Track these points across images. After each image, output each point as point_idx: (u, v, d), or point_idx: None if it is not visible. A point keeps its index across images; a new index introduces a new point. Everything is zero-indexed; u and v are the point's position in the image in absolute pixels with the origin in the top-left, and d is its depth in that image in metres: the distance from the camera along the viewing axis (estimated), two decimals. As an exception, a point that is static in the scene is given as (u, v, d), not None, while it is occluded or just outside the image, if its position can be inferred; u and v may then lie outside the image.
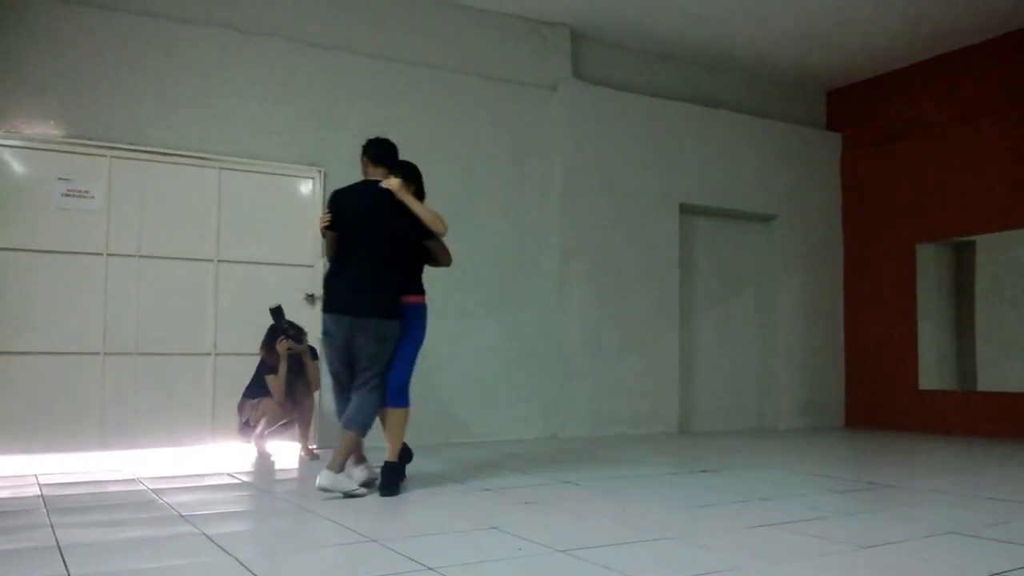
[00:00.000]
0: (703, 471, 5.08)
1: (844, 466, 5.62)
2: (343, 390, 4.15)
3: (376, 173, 4.19)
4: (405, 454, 4.31)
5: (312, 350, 5.52)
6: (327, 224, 4.07)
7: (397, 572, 2.58)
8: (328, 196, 4.26)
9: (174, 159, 5.73)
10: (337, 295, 4.02)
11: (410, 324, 4.15)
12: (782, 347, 8.20)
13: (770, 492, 4.23)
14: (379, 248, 4.03)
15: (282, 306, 5.43)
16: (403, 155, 6.57)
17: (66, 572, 2.60)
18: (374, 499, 3.97)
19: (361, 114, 6.36)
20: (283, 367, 5.35)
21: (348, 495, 3.90)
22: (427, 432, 6.35)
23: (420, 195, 4.30)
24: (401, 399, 4.14)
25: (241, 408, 5.53)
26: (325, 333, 4.08)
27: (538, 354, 6.94)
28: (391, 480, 4.04)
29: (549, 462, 5.34)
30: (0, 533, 3.26)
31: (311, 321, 5.74)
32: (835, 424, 8.34)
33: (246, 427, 5.52)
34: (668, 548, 2.95)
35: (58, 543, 3.01)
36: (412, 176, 4.29)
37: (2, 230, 5.27)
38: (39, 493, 4.13)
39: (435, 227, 4.09)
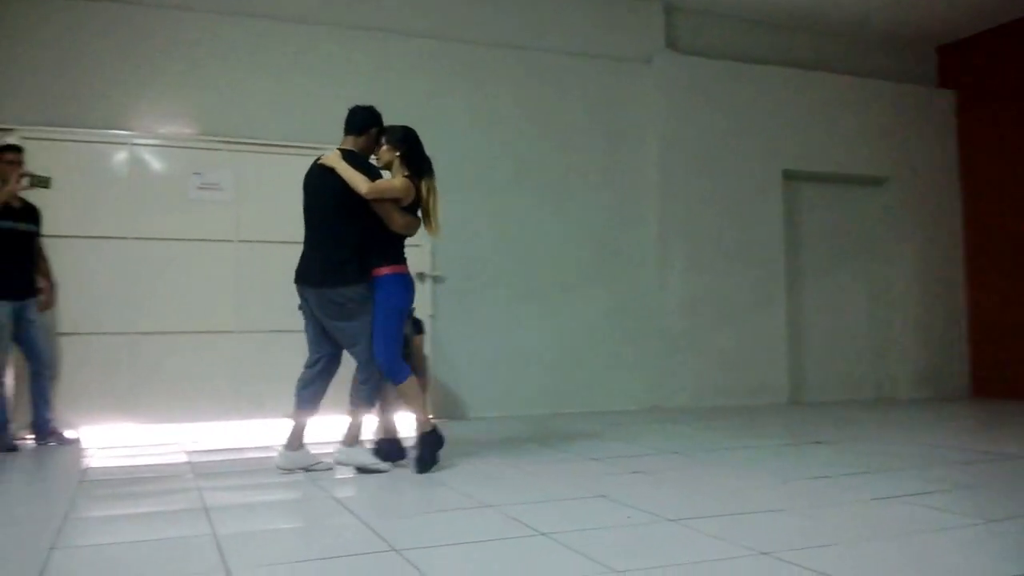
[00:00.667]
0: (816, 442, 5.04)
1: (967, 437, 5.47)
2: (311, 361, 4.23)
3: (346, 143, 4.19)
4: (394, 448, 4.27)
5: (417, 324, 5.75)
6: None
7: (512, 536, 2.74)
8: None
9: (291, 150, 6.04)
10: (297, 267, 4.12)
11: (376, 297, 4.03)
12: (899, 314, 7.94)
13: (887, 464, 4.17)
14: (318, 217, 4.07)
15: None
16: (502, 137, 6.96)
17: (211, 531, 2.88)
18: (490, 467, 4.15)
19: (460, 99, 6.56)
20: None
21: (361, 469, 4.01)
22: (531, 404, 6.54)
23: (411, 158, 4.13)
24: (392, 374, 4.07)
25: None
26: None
27: (640, 326, 6.99)
28: (423, 453, 4.02)
29: (654, 433, 5.41)
30: (152, 496, 3.62)
31: (420, 296, 6.00)
32: (959, 394, 8.03)
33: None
34: (780, 520, 2.98)
35: (204, 505, 3.32)
36: (398, 140, 4.16)
37: (146, 221, 5.70)
38: (186, 460, 4.51)
39: (356, 188, 3.90)
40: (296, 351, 6.07)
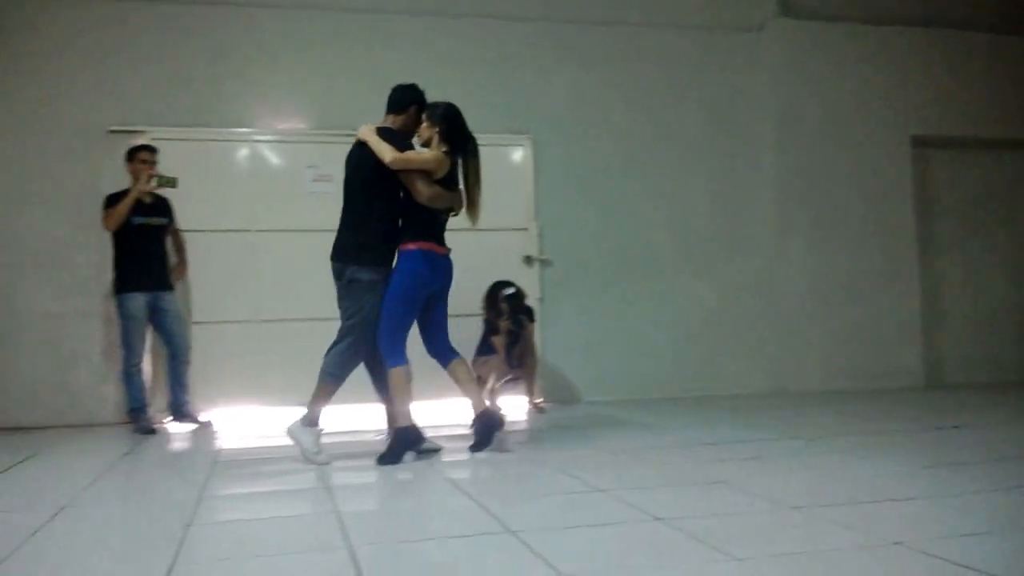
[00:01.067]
0: (953, 427, 4.76)
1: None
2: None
3: (385, 121, 4.17)
4: (401, 437, 4.02)
5: (529, 312, 5.78)
6: None
7: (625, 520, 2.70)
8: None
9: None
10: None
11: (394, 271, 4.01)
12: (1045, 289, 7.38)
13: (1026, 449, 3.90)
14: (349, 193, 4.08)
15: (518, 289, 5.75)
16: (607, 117, 6.83)
17: (334, 508, 2.97)
18: (603, 452, 4.11)
19: (566, 80, 6.52)
20: (503, 339, 5.68)
21: (304, 455, 3.94)
22: (646, 388, 6.45)
23: (450, 135, 4.03)
24: (385, 354, 4.00)
25: (473, 365, 5.89)
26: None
27: (760, 306, 6.77)
28: (388, 449, 3.96)
29: (777, 417, 5.24)
30: (278, 475, 3.78)
31: (528, 280, 6.12)
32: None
33: (478, 381, 5.89)
34: (915, 508, 2.83)
35: (327, 484, 3.43)
36: (438, 116, 4.05)
37: (266, 214, 5.94)
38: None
39: (381, 157, 3.87)
40: (410, 336, 6.22)
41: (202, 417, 5.45)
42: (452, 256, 6.19)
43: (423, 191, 3.90)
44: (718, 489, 3.17)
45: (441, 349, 4.19)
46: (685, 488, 3.23)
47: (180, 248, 5.57)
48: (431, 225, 4.02)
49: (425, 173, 3.92)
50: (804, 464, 3.68)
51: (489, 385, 5.84)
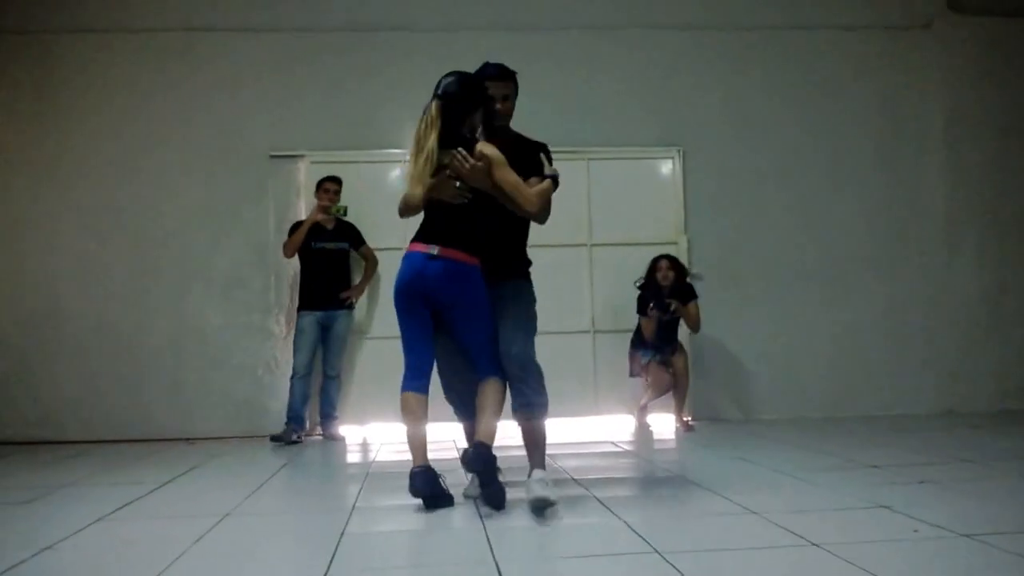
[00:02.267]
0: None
1: None
2: None
3: None
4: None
5: (684, 292, 5.73)
6: None
7: (780, 545, 2.58)
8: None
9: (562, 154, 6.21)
10: None
11: None
12: None
13: None
14: None
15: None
16: (765, 124, 6.59)
17: (481, 524, 3.00)
18: (760, 472, 3.96)
19: (716, 90, 6.37)
20: (652, 325, 5.67)
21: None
22: (806, 406, 6.17)
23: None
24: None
25: (632, 357, 5.85)
26: None
27: (929, 320, 6.35)
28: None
29: (946, 439, 4.88)
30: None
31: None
32: None
33: (634, 376, 5.87)
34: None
35: (472, 498, 3.47)
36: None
37: (390, 232, 5.97)
38: (457, 456, 4.75)
39: None
40: (552, 353, 6.23)
41: (341, 432, 5.68)
42: (602, 274, 6.20)
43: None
44: (881, 513, 2.98)
45: (477, 368, 3.48)
46: (845, 512, 3.05)
47: (366, 269, 5.90)
48: (425, 223, 3.50)
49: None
50: (975, 489, 3.40)
51: (644, 401, 5.77)
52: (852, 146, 6.44)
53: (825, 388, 6.24)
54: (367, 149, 6.16)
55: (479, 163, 3.21)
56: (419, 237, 3.44)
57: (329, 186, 5.65)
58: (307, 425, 5.71)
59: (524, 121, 6.59)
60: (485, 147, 3.27)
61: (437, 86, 3.48)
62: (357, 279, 5.90)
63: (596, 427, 5.91)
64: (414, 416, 3.41)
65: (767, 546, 2.58)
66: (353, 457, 5.04)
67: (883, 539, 2.64)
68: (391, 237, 6.09)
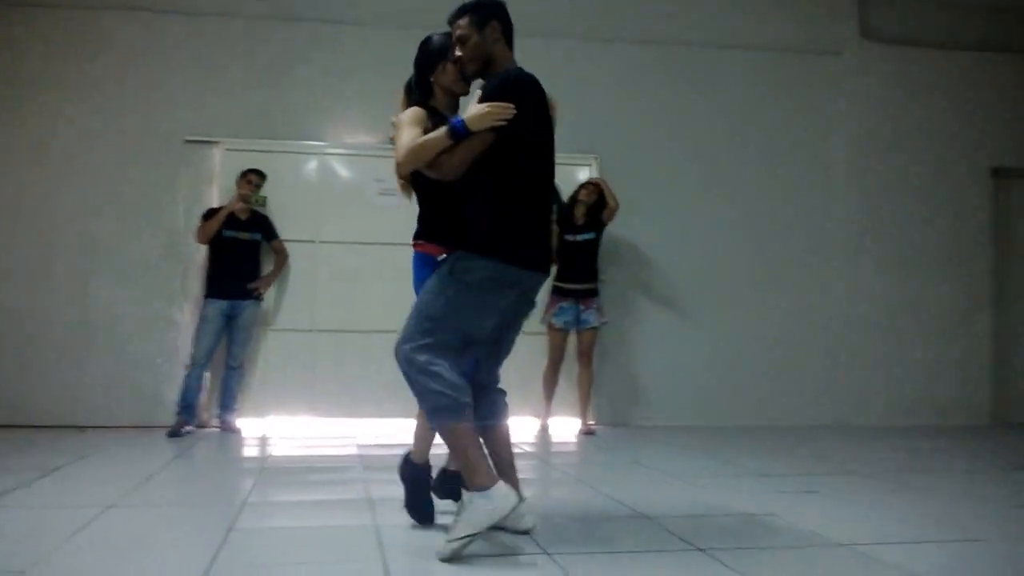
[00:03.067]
0: (1018, 468, 4.54)
1: None
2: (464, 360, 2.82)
3: (510, 59, 2.87)
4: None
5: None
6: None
7: (667, 549, 2.63)
8: (515, 80, 2.70)
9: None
10: (539, 244, 2.77)
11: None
12: None
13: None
14: (550, 175, 2.92)
15: None
16: (688, 136, 6.75)
17: (374, 522, 2.97)
18: (652, 476, 4.03)
19: (635, 100, 6.48)
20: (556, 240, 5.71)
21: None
22: (703, 414, 6.30)
23: None
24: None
25: (548, 305, 5.87)
26: (505, 295, 2.71)
27: (828, 337, 6.57)
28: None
29: (837, 450, 5.06)
30: (323, 485, 3.83)
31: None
32: None
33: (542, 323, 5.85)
34: (974, 551, 2.69)
35: (370, 496, 3.44)
36: None
37: (332, 225, 6.02)
38: (357, 453, 4.72)
39: None
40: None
41: (238, 425, 5.56)
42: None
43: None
44: (768, 521, 3.07)
45: None
46: (733, 519, 3.13)
47: (277, 262, 5.79)
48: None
49: None
50: (860, 500, 3.52)
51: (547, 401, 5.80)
52: (764, 162, 6.62)
53: (725, 397, 6.39)
54: (285, 140, 6.03)
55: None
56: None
57: (252, 178, 5.58)
58: (199, 416, 5.56)
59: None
60: (402, 114, 2.97)
61: None
62: (266, 271, 5.78)
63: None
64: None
65: (655, 549, 2.63)
66: (250, 450, 4.93)
67: (766, 546, 2.72)
68: (305, 230, 6.00)
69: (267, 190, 5.72)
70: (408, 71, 6.60)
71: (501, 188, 2.68)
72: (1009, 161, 6.89)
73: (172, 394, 5.56)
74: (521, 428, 5.92)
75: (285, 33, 6.11)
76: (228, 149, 5.92)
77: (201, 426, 5.58)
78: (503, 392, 3.04)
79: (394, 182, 6.16)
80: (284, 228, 5.88)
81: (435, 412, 2.63)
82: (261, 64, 6.08)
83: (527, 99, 2.65)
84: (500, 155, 2.64)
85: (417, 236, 3.06)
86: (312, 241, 6.01)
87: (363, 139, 6.17)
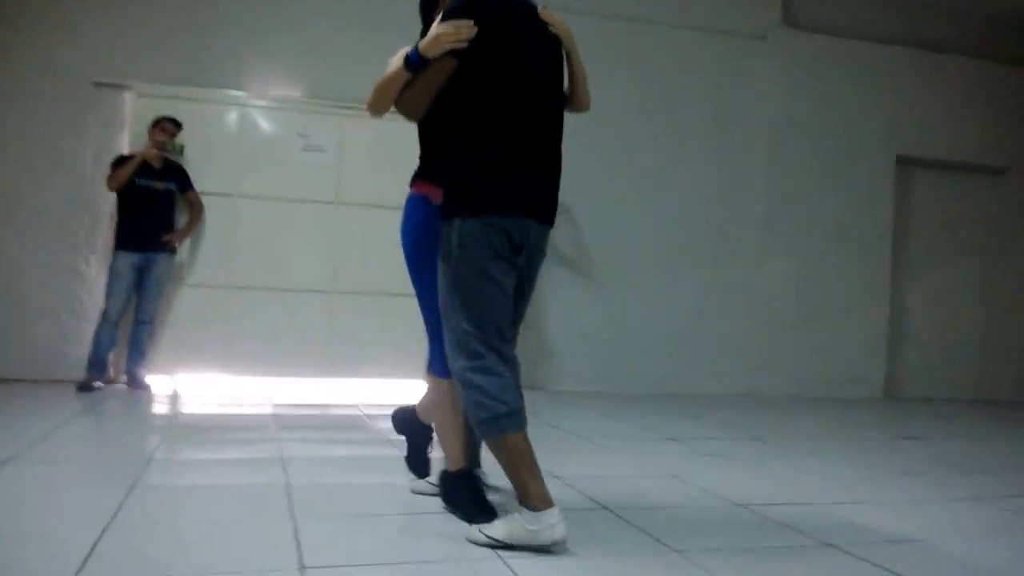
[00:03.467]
0: (906, 438, 4.82)
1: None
2: (507, 347, 2.41)
3: None
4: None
5: None
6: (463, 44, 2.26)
7: (575, 508, 2.71)
8: (466, 1, 2.32)
9: (396, 117, 6.08)
10: (515, 189, 2.34)
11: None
12: (1008, 313, 7.45)
13: (979, 464, 3.97)
14: (551, 113, 2.49)
15: None
16: (609, 110, 6.73)
17: (285, 480, 2.97)
18: (565, 440, 4.12)
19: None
20: None
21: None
22: (623, 382, 6.46)
23: None
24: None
25: None
26: (497, 253, 2.31)
27: (739, 311, 6.79)
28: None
29: (742, 418, 5.27)
30: (234, 444, 3.77)
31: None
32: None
33: None
34: (857, 513, 2.85)
35: (282, 455, 3.42)
36: None
37: (253, 179, 5.87)
38: (272, 412, 4.67)
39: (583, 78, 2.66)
40: (389, 314, 6.19)
41: (147, 381, 5.41)
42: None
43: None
44: (670, 482, 3.19)
45: None
46: (639, 480, 3.24)
47: (192, 215, 5.61)
48: None
49: None
50: (758, 464, 3.70)
51: None
52: (689, 141, 6.74)
53: (645, 366, 6.55)
54: (203, 87, 5.83)
55: None
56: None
57: (167, 125, 5.38)
58: (111, 372, 5.40)
59: (337, 79, 6.43)
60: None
61: None
62: (181, 224, 5.61)
63: (421, 390, 5.95)
64: None
65: (562, 508, 2.70)
66: (159, 408, 4.82)
67: (668, 505, 2.84)
68: (223, 183, 5.83)
69: (184, 140, 5.54)
70: (334, 21, 6.48)
71: (472, 124, 2.31)
72: (913, 151, 7.20)
73: (77, 349, 5.38)
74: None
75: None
76: (141, 95, 5.68)
77: (110, 382, 5.42)
78: (517, 364, 2.48)
79: (319, 139, 6.12)
80: (201, 181, 5.69)
81: (476, 426, 2.32)
82: (180, 6, 5.82)
83: (491, 14, 2.28)
84: (466, 84, 2.29)
85: (414, 177, 2.73)
86: (231, 195, 5.86)
87: (287, 92, 6.01)
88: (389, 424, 4.21)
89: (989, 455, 4.36)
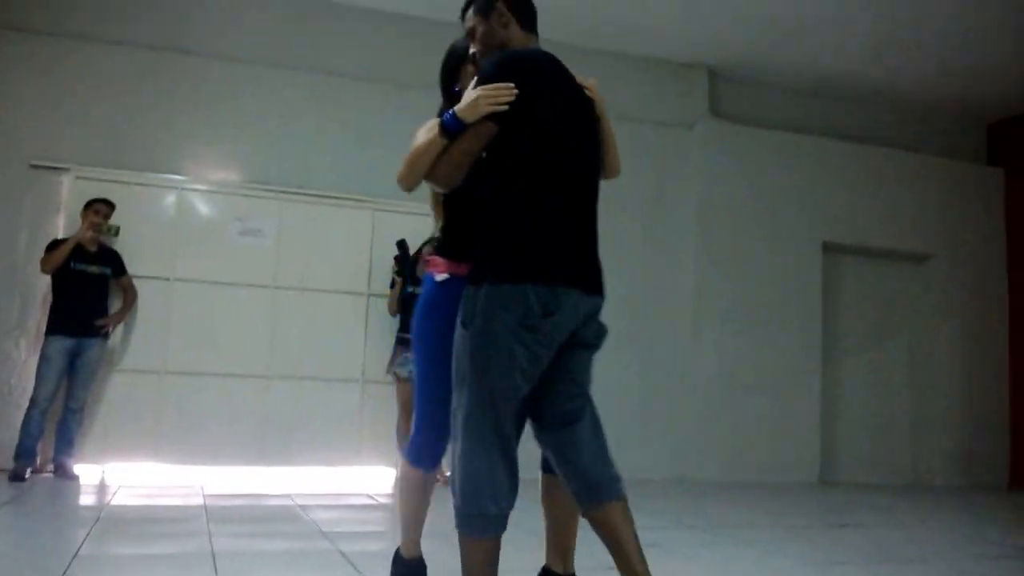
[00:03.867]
0: (842, 525, 4.90)
1: (1001, 529, 5.26)
2: (512, 440, 2.32)
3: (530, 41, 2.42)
4: None
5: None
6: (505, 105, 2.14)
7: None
8: (513, 56, 2.29)
9: (332, 200, 6.18)
10: (557, 249, 2.21)
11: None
12: (939, 396, 7.72)
13: (914, 553, 4.04)
14: (589, 175, 2.46)
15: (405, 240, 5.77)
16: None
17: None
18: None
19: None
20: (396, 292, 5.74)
21: None
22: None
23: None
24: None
25: (393, 357, 5.80)
26: (524, 321, 2.10)
27: (670, 393, 6.90)
28: None
29: (676, 505, 5.31)
30: (163, 537, 3.67)
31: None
32: (999, 482, 7.74)
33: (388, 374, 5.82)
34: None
35: (212, 550, 3.34)
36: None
37: (190, 263, 5.84)
38: (203, 503, 4.55)
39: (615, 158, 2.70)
40: (325, 399, 6.17)
41: (77, 471, 5.23)
42: (377, 323, 6.19)
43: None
44: (610, 575, 3.19)
45: None
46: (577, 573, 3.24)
47: (125, 300, 5.54)
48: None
49: None
50: (694, 554, 3.72)
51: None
52: (621, 226, 6.92)
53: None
54: (141, 171, 5.84)
55: None
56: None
57: (100, 207, 5.34)
58: (38, 461, 5.22)
59: (275, 163, 6.55)
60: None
61: None
62: (114, 309, 5.52)
63: (359, 477, 5.88)
64: None
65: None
66: (87, 499, 4.66)
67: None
68: (159, 267, 5.80)
69: (122, 223, 5.52)
70: (272, 108, 6.60)
71: (505, 187, 2.19)
72: (838, 237, 7.54)
73: (6, 434, 5.19)
74: (378, 478, 5.89)
75: (146, 61, 5.94)
76: (79, 177, 5.66)
77: (36, 472, 5.22)
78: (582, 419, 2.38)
79: (256, 222, 6.16)
80: (138, 264, 5.67)
81: (457, 514, 2.21)
82: (119, 91, 5.87)
83: (532, 76, 2.21)
84: (501, 146, 2.19)
85: (437, 252, 2.56)
86: (167, 279, 5.81)
87: (226, 175, 6.06)
88: (323, 515, 4.18)
89: (926, 543, 4.43)
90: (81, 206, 5.41)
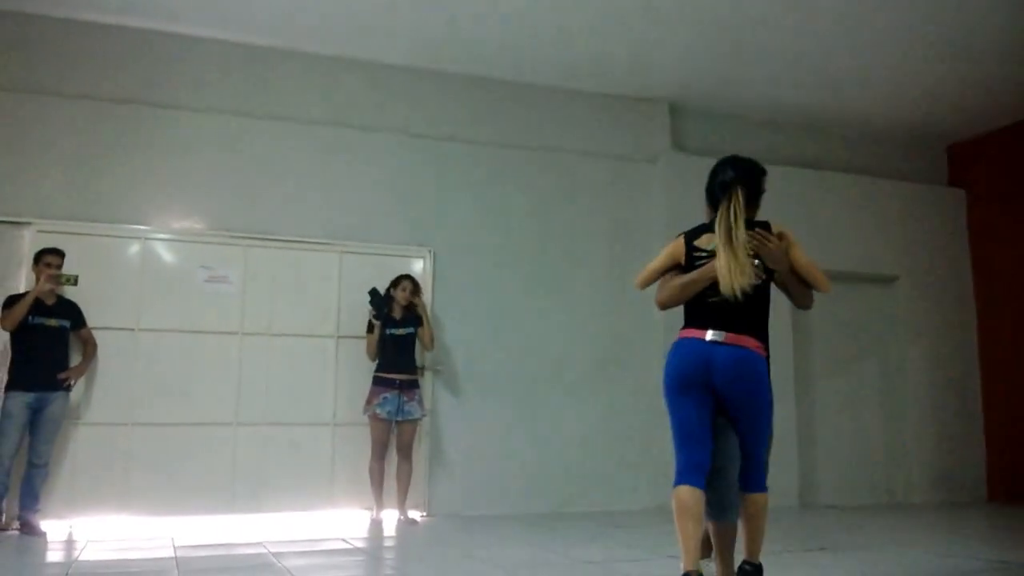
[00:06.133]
0: (820, 548, 4.89)
1: (981, 544, 5.27)
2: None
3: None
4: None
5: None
6: None
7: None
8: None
9: (298, 246, 6.18)
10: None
11: None
12: (912, 415, 7.77)
13: (893, 573, 4.02)
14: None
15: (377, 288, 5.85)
16: (508, 234, 7.03)
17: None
18: (476, 567, 4.05)
19: (468, 198, 6.74)
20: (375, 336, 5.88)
21: None
22: (531, 503, 6.41)
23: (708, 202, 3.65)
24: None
25: (370, 397, 5.85)
26: None
27: (646, 424, 6.87)
28: None
29: (656, 535, 5.27)
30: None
31: (424, 391, 6.06)
32: (976, 497, 7.78)
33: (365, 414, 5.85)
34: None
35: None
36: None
37: (155, 312, 5.79)
38: (172, 555, 4.46)
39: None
40: (294, 445, 6.11)
41: (43, 527, 5.10)
42: (347, 366, 6.11)
43: (659, 296, 3.53)
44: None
45: (748, 478, 3.27)
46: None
47: (85, 352, 5.48)
48: (692, 310, 3.35)
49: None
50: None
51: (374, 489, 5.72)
52: (586, 262, 6.98)
53: (551, 485, 6.52)
54: (104, 222, 5.79)
55: (781, 242, 3.23)
56: (695, 324, 3.24)
57: (51, 259, 5.25)
58: (2, 519, 5.09)
59: (240, 210, 6.58)
60: (780, 226, 3.32)
61: (721, 172, 3.50)
62: (75, 361, 5.44)
63: (332, 522, 5.78)
64: (689, 513, 2.99)
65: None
66: (54, 555, 4.54)
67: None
68: (124, 318, 5.73)
69: (85, 275, 5.44)
70: (235, 156, 6.59)
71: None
72: (804, 263, 7.61)
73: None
74: (352, 521, 5.80)
75: (106, 113, 5.91)
76: (41, 231, 5.61)
77: (2, 529, 5.09)
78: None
79: (223, 270, 6.13)
80: (103, 315, 5.61)
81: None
82: (79, 143, 5.83)
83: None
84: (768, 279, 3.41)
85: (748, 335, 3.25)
86: (132, 329, 5.75)
87: (189, 224, 6.03)
88: (296, 562, 4.11)
89: (903, 562, 4.43)
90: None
